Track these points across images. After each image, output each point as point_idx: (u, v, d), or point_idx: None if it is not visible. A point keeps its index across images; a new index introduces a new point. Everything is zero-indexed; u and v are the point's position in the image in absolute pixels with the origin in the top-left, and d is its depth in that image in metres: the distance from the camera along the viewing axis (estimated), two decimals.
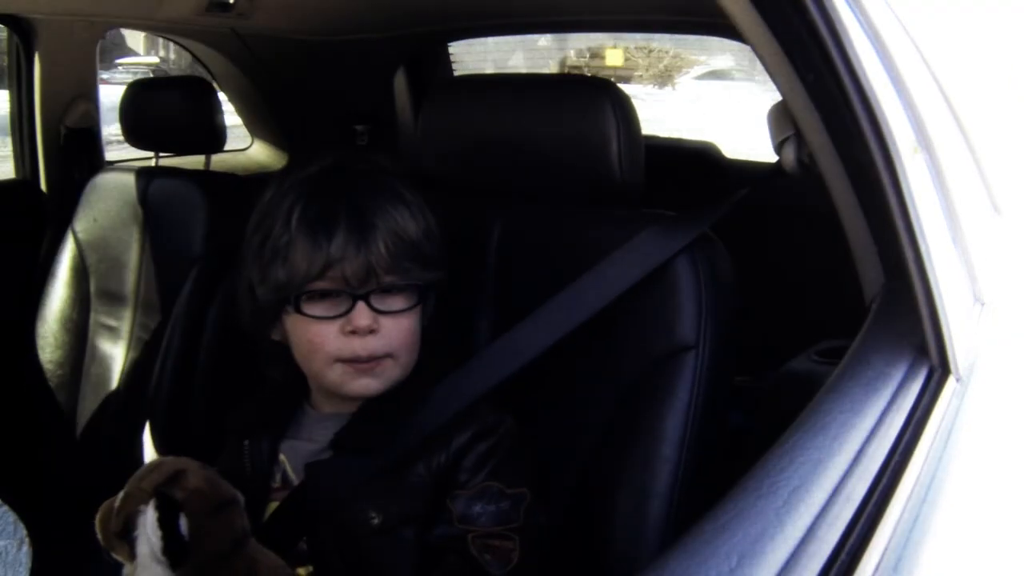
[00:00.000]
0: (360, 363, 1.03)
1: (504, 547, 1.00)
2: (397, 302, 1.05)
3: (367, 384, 1.05)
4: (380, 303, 1.04)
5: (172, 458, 0.97)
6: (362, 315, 1.02)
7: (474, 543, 0.99)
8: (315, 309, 1.04)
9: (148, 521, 0.91)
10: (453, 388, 1.07)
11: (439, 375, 1.08)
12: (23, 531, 1.01)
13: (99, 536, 0.97)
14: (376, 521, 1.02)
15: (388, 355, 1.04)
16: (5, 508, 1.05)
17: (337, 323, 1.03)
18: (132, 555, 0.93)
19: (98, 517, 0.97)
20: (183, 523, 0.90)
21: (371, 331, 1.03)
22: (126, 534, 0.93)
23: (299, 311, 1.04)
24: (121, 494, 0.95)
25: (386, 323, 1.04)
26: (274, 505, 1.09)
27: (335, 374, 1.05)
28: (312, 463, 1.07)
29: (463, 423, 1.04)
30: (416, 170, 1.33)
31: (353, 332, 1.02)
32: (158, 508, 0.90)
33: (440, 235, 1.10)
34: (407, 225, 1.05)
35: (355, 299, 1.03)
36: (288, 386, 1.15)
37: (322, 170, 1.09)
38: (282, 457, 1.11)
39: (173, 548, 0.89)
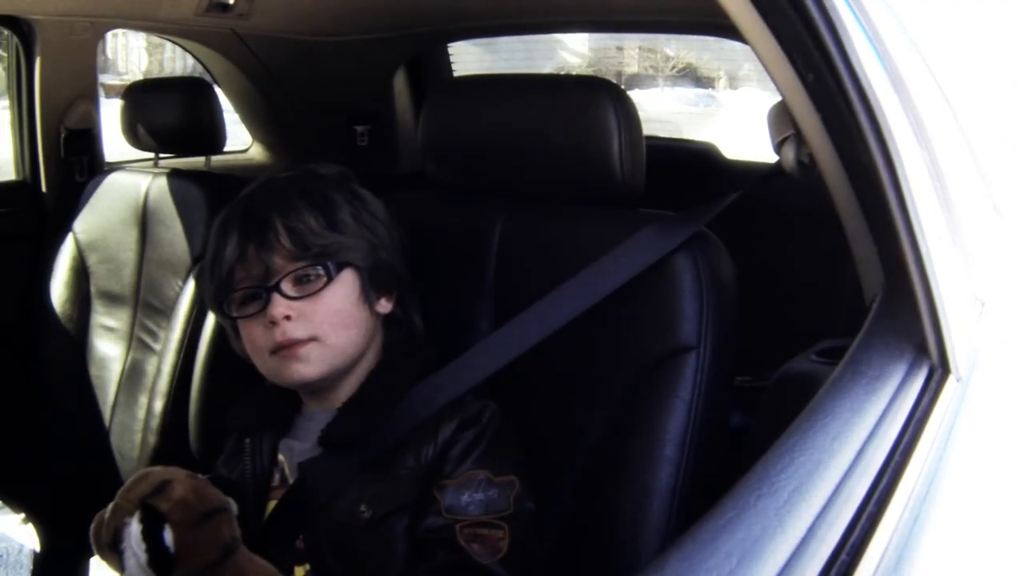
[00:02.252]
0: (284, 349, 1.07)
1: (492, 536, 1.00)
2: (312, 285, 1.08)
3: (298, 369, 1.07)
4: (294, 290, 1.08)
5: (160, 468, 0.97)
6: (275, 304, 1.07)
7: (462, 533, 1.00)
8: (240, 310, 1.10)
9: (133, 533, 0.91)
10: (444, 381, 1.08)
11: (421, 364, 1.10)
12: (24, 531, 1.01)
13: (93, 548, 0.97)
14: (367, 514, 1.03)
15: (312, 338, 1.07)
16: (6, 508, 1.05)
17: (260, 318, 1.08)
18: (122, 567, 0.93)
19: (91, 528, 0.97)
20: (168, 534, 0.90)
21: (287, 318, 1.06)
22: (115, 546, 0.93)
23: (227, 315, 1.11)
24: (111, 505, 0.95)
25: (303, 307, 1.07)
26: (273, 504, 1.09)
27: (271, 365, 1.09)
28: (303, 462, 1.08)
29: (449, 413, 1.06)
30: (417, 170, 1.34)
31: (272, 322, 1.06)
32: (142, 520, 0.90)
33: (375, 220, 1.14)
34: (303, 214, 1.09)
35: (267, 292, 1.07)
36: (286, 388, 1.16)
37: (248, 188, 1.16)
38: (281, 457, 1.12)
39: (158, 560, 0.89)
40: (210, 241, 1.13)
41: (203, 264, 1.14)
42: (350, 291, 1.10)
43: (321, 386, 1.11)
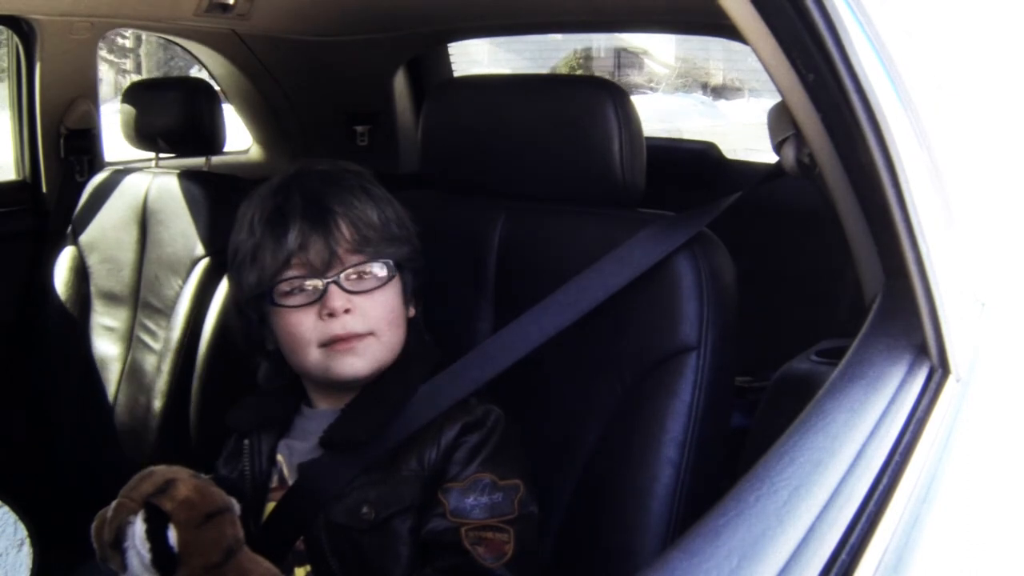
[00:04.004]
0: (340, 342, 1.05)
1: (498, 539, 1.00)
2: (370, 281, 1.08)
3: (352, 363, 1.06)
4: (352, 284, 1.07)
5: (163, 467, 0.96)
6: (335, 297, 1.05)
7: (467, 536, 1.00)
8: (291, 300, 1.07)
9: (136, 532, 0.91)
10: (444, 384, 1.08)
11: (428, 369, 1.10)
12: (23, 532, 1.01)
13: (95, 546, 0.97)
14: (370, 516, 1.03)
15: (369, 333, 1.07)
16: (5, 509, 1.05)
17: (313, 309, 1.06)
18: (124, 565, 0.93)
19: (93, 526, 0.97)
20: (172, 534, 0.90)
21: (347, 311, 1.05)
22: (118, 544, 0.93)
23: (274, 304, 1.07)
24: (113, 504, 0.95)
25: (361, 302, 1.06)
26: (272, 505, 1.09)
27: (317, 358, 1.07)
28: (304, 463, 1.08)
29: (452, 416, 1.05)
30: (417, 170, 1.34)
31: (331, 315, 1.05)
32: (146, 519, 0.90)
33: (411, 224, 1.14)
34: (367, 208, 1.09)
35: (326, 283, 1.05)
36: (288, 388, 1.16)
37: (282, 176, 1.13)
38: (279, 457, 1.12)
39: (161, 560, 0.89)
40: (253, 227, 1.09)
41: (237, 255, 1.10)
42: (398, 291, 1.11)
43: (358, 384, 1.09)
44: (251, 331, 1.14)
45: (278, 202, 1.08)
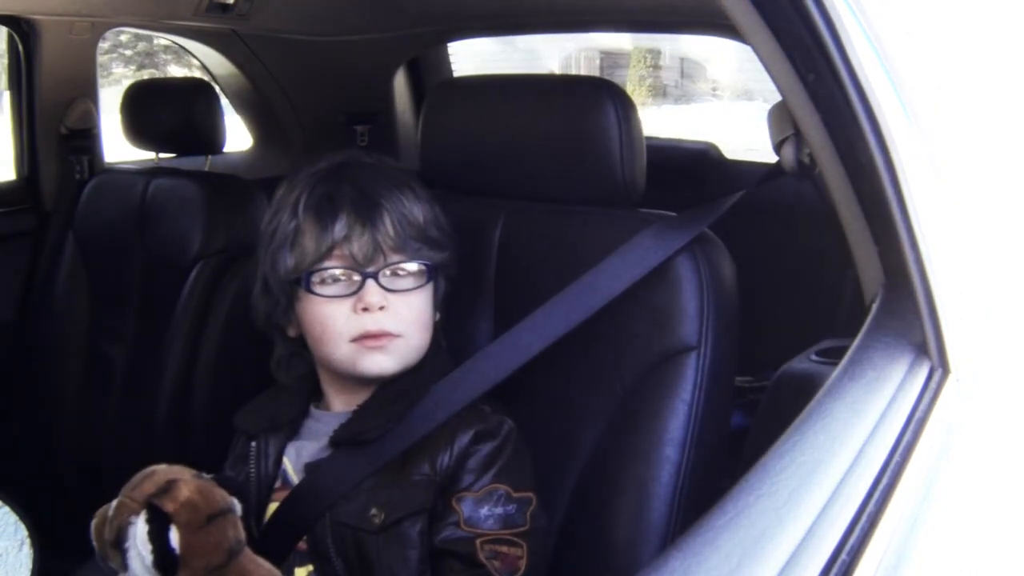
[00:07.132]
0: (371, 338, 1.05)
1: (512, 554, 1.00)
2: (406, 281, 1.07)
3: (379, 361, 1.06)
4: (389, 282, 1.06)
5: (165, 467, 0.96)
6: (372, 292, 1.04)
7: (482, 548, 0.99)
8: (327, 289, 1.06)
9: (138, 533, 0.90)
10: (452, 386, 1.07)
11: (439, 372, 1.09)
12: (23, 532, 1.01)
13: (95, 545, 0.97)
14: (378, 519, 1.02)
15: (399, 334, 1.06)
16: (5, 509, 1.05)
17: (348, 302, 1.05)
18: (125, 565, 0.93)
19: (93, 524, 0.97)
20: (173, 535, 0.90)
21: (381, 308, 1.05)
22: (119, 544, 0.93)
23: (310, 291, 1.06)
24: (115, 503, 0.95)
25: (396, 302, 1.06)
26: (274, 507, 1.09)
27: (346, 352, 1.06)
28: (311, 463, 1.07)
29: (466, 422, 1.05)
30: (417, 170, 1.34)
31: (365, 310, 1.04)
32: (148, 520, 0.90)
33: (448, 227, 1.13)
34: (413, 208, 1.08)
35: (364, 277, 1.05)
36: (297, 389, 1.16)
37: (330, 164, 1.12)
38: (285, 460, 1.12)
39: (163, 561, 0.89)
40: (297, 210, 1.07)
41: (275, 236, 1.09)
42: (431, 295, 1.11)
43: (380, 382, 1.09)
44: (275, 314, 1.12)
45: (328, 189, 1.07)
